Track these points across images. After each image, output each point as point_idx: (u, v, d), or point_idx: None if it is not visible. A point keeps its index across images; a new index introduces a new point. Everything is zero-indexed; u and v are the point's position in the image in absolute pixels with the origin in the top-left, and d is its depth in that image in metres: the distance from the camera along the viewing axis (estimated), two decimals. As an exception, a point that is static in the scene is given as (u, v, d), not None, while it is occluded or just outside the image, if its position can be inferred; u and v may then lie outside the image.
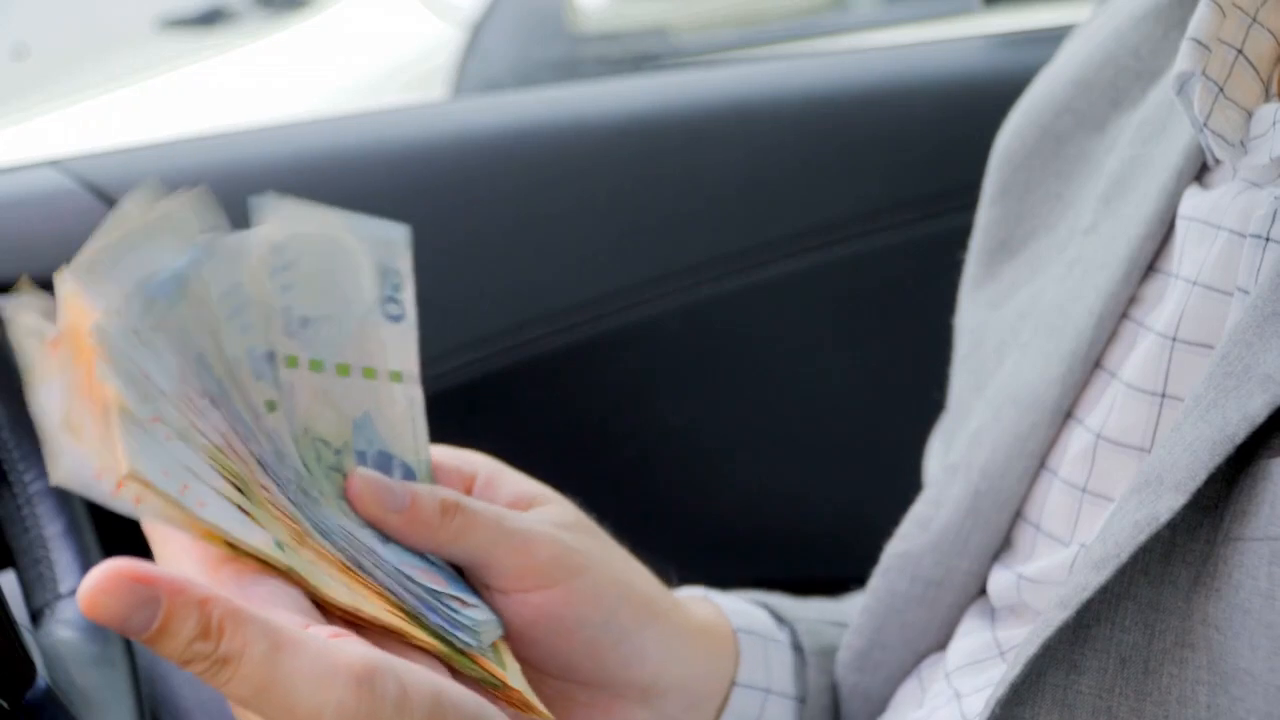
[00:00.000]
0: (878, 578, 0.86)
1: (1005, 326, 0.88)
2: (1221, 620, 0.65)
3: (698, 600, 0.87)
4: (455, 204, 1.38)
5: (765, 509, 1.44)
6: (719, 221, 1.42)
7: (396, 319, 0.76)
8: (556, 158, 1.41)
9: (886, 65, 1.57)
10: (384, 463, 0.75)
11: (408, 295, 0.76)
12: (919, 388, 0.99)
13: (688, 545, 1.38)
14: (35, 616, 0.88)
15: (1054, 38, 0.95)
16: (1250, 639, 0.63)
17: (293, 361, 0.73)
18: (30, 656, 0.78)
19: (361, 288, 0.75)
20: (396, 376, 0.76)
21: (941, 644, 0.84)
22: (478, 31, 2.28)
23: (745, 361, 1.43)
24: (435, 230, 1.35)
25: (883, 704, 0.86)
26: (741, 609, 0.88)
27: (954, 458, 0.85)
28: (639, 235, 1.41)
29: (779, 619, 0.89)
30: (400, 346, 0.76)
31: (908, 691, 0.84)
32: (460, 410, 1.36)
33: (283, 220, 0.73)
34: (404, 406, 0.76)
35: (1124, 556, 0.66)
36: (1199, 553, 0.66)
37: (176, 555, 0.65)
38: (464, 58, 2.26)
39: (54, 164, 1.33)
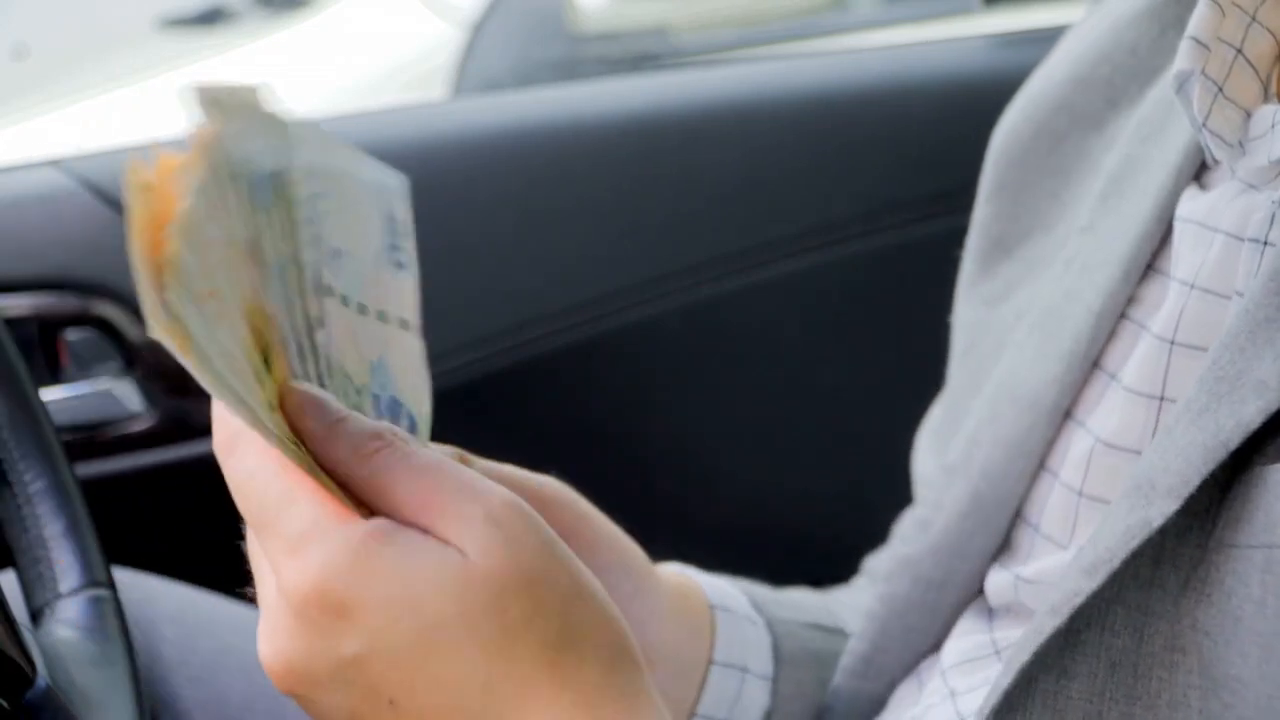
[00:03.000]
0: (882, 583, 0.86)
1: (1003, 325, 0.88)
2: (1212, 626, 0.65)
3: (675, 573, 0.87)
4: (455, 204, 1.38)
5: (765, 509, 1.44)
6: (719, 221, 1.42)
7: (401, 267, 0.73)
8: (556, 158, 1.41)
9: (886, 65, 1.57)
10: (395, 409, 0.72)
11: (410, 245, 0.72)
12: (919, 388, 0.99)
13: (687, 545, 1.38)
14: (35, 616, 0.88)
15: (1053, 38, 0.95)
16: (1241, 646, 0.63)
17: (329, 290, 0.69)
18: (30, 656, 0.78)
19: (371, 230, 0.71)
20: (404, 325, 0.73)
21: (941, 645, 0.84)
22: (478, 31, 2.28)
23: (745, 361, 1.43)
24: (435, 230, 1.34)
25: (883, 707, 0.85)
26: (719, 586, 0.87)
27: (953, 458, 0.85)
28: (639, 235, 1.41)
29: (756, 607, 0.88)
30: (405, 296, 0.72)
31: (906, 691, 0.84)
32: (460, 410, 1.36)
33: (314, 146, 0.70)
34: (413, 356, 0.72)
35: (1116, 562, 0.66)
36: (1189, 558, 0.66)
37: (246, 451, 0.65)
38: (464, 58, 2.26)
39: (54, 164, 1.33)
